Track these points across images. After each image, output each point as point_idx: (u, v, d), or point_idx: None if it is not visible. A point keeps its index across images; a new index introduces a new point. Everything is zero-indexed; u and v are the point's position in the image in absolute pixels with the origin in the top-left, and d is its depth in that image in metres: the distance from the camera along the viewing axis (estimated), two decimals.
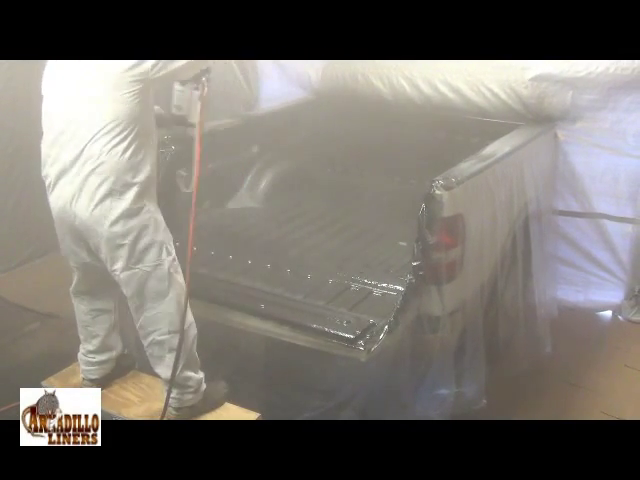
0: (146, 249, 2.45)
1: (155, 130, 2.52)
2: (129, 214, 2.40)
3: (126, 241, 2.41)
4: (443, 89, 3.83)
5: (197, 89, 2.55)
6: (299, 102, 4.45)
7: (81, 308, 2.77)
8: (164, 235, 2.51)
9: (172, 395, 2.61)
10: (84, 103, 2.36)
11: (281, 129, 4.21)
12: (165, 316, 2.52)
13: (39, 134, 4.14)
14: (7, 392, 2.41)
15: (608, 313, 3.95)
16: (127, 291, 2.53)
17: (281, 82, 4.62)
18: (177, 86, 2.61)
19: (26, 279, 4.12)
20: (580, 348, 3.59)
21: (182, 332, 2.52)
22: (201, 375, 2.68)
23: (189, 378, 2.63)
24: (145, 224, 2.44)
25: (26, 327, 3.69)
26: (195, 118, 2.58)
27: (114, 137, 2.34)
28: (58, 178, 2.45)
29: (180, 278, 2.54)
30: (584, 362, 3.48)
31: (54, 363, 3.04)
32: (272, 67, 4.60)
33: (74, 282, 2.74)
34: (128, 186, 2.39)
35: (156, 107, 2.65)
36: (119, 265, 2.45)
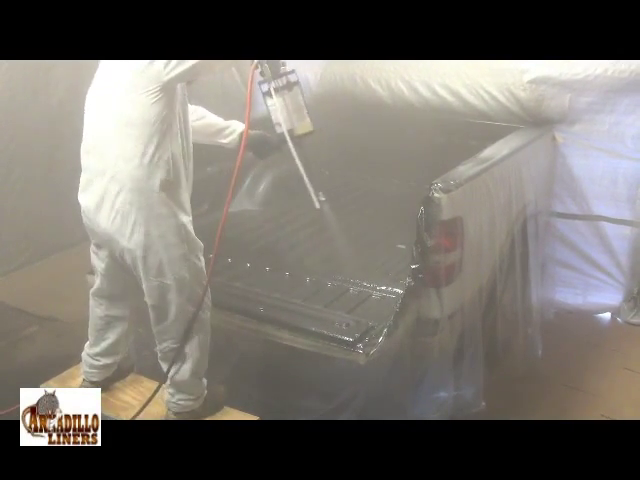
0: (166, 261, 2.39)
1: (184, 132, 2.43)
2: (148, 223, 2.34)
3: (145, 253, 2.37)
4: (442, 92, 3.84)
5: (289, 90, 2.54)
6: None
7: (97, 312, 2.74)
8: (190, 245, 2.45)
9: (174, 400, 2.61)
10: (103, 107, 2.34)
11: (313, 124, 4.20)
12: (182, 325, 2.51)
13: (38, 136, 4.16)
14: (6, 395, 2.41)
15: (607, 315, 3.96)
16: (148, 300, 2.51)
17: None
18: (268, 101, 2.56)
19: (25, 282, 4.12)
20: (579, 351, 3.59)
21: (184, 342, 2.52)
22: (205, 382, 2.68)
23: (196, 385, 2.63)
24: (165, 234, 2.37)
25: (25, 330, 3.68)
26: (302, 129, 2.59)
27: (128, 141, 2.28)
28: (85, 188, 2.45)
29: (200, 290, 2.50)
30: (583, 365, 3.48)
31: (53, 366, 3.03)
32: None
33: (96, 286, 2.69)
34: (146, 193, 2.32)
35: (260, 132, 2.70)
36: (141, 275, 2.44)
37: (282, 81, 2.59)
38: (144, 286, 2.47)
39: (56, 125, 4.17)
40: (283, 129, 2.60)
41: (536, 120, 3.62)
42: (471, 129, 3.81)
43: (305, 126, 2.65)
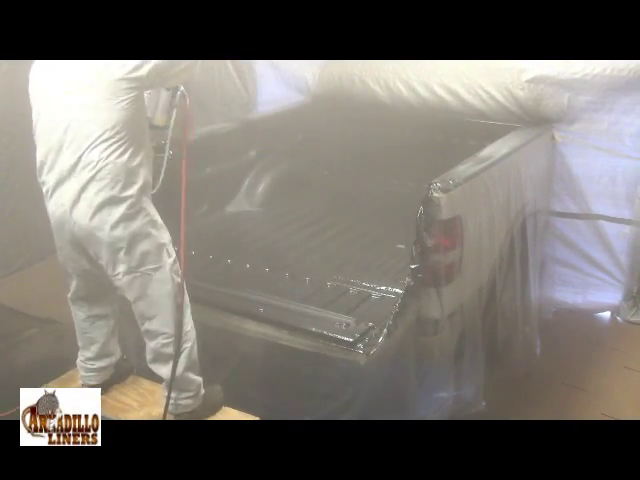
0: (147, 252, 2.45)
1: (148, 133, 2.52)
2: (128, 218, 2.40)
3: (126, 245, 2.42)
4: (440, 92, 3.84)
5: (173, 96, 2.54)
6: (296, 105, 4.46)
7: (79, 315, 2.76)
8: (163, 237, 2.51)
9: (172, 400, 2.60)
10: (80, 110, 2.36)
11: (278, 133, 4.21)
12: (170, 320, 2.52)
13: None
14: (6, 398, 2.40)
15: (607, 314, 3.96)
16: (130, 295, 2.52)
17: (278, 86, 4.63)
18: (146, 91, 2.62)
19: (24, 284, 4.12)
20: (579, 349, 3.59)
21: (180, 334, 2.52)
22: (200, 379, 2.68)
23: (190, 381, 2.63)
24: (144, 227, 2.44)
25: (24, 332, 3.68)
26: (160, 122, 2.57)
27: (112, 144, 2.34)
28: (56, 186, 2.45)
29: (179, 279, 2.54)
30: (583, 364, 3.48)
31: (53, 369, 3.03)
32: (269, 71, 4.61)
33: (72, 289, 2.72)
34: (126, 190, 2.39)
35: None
36: (120, 269, 2.46)
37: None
38: (124, 281, 2.48)
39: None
40: (149, 116, 2.60)
41: (535, 119, 3.62)
42: (470, 129, 3.81)
43: (160, 119, 2.60)
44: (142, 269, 2.46)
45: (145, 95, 2.50)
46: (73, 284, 2.71)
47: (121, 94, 2.32)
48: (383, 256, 3.43)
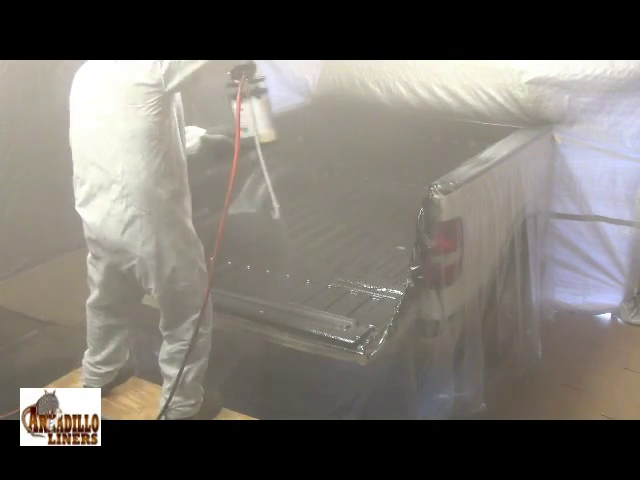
0: (177, 268, 2.42)
1: (180, 141, 2.44)
2: (159, 232, 2.36)
3: (156, 262, 2.39)
4: (440, 93, 3.84)
5: (257, 97, 2.47)
6: (296, 107, 4.46)
7: (95, 322, 2.73)
8: (193, 253, 2.48)
9: (170, 404, 2.60)
10: (99, 121, 2.31)
11: (279, 134, 4.21)
12: (191, 328, 2.52)
13: (37, 140, 4.15)
14: (6, 400, 2.41)
15: (607, 316, 3.97)
16: (161, 306, 2.53)
17: (278, 87, 4.63)
18: (234, 106, 2.47)
19: (25, 286, 4.11)
20: (579, 351, 3.59)
21: (194, 344, 2.51)
22: (202, 389, 2.68)
23: (196, 390, 2.63)
24: (176, 242, 2.41)
25: (25, 335, 3.68)
26: (267, 138, 2.53)
27: (135, 156, 2.28)
28: (86, 201, 2.43)
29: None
30: (584, 365, 3.48)
31: (53, 370, 3.03)
32: (269, 72, 4.60)
33: (93, 297, 2.68)
34: (155, 204, 2.34)
35: (219, 136, 2.63)
36: (152, 285, 2.44)
37: (252, 87, 2.52)
38: (156, 296, 2.48)
39: (56, 128, 4.14)
40: (249, 134, 2.54)
41: (535, 121, 3.62)
42: (470, 130, 3.81)
43: (269, 135, 2.59)
44: (172, 285, 2.44)
45: (241, 111, 2.43)
46: (95, 292, 2.67)
47: (139, 101, 2.25)
48: (383, 258, 3.43)
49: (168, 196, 2.36)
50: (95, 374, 2.80)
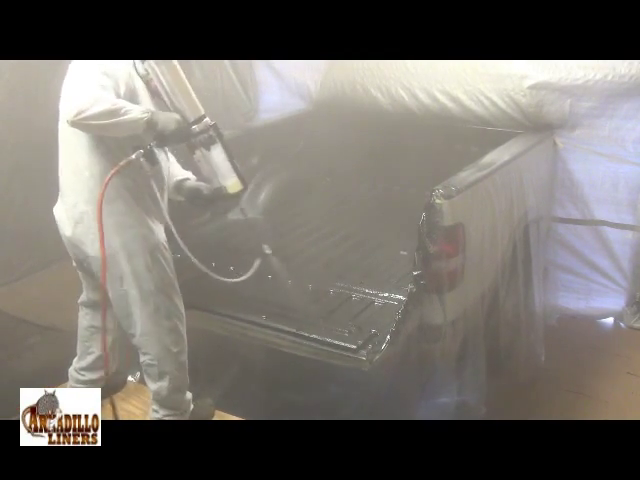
0: (130, 272, 2.38)
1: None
2: (108, 232, 2.30)
3: (108, 262, 2.33)
4: (442, 98, 3.84)
5: (206, 143, 2.33)
6: (298, 113, 4.47)
7: (83, 322, 2.75)
8: (155, 256, 2.43)
9: (158, 416, 2.60)
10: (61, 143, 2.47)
11: (280, 140, 4.22)
12: (155, 339, 2.48)
13: (39, 147, 4.14)
14: (7, 405, 2.40)
15: (610, 320, 3.96)
16: (116, 311, 2.50)
17: (280, 93, 4.64)
18: (194, 157, 2.37)
19: (27, 292, 4.11)
20: (582, 356, 3.58)
21: (166, 351, 2.50)
22: (189, 396, 2.66)
23: (179, 401, 2.61)
24: (128, 244, 2.37)
25: (27, 340, 3.68)
26: (234, 188, 2.42)
27: (80, 156, 2.37)
28: (58, 201, 2.52)
29: (177, 299, 2.51)
30: (586, 370, 3.48)
31: (54, 377, 3.02)
32: (271, 78, 4.62)
33: (83, 294, 2.72)
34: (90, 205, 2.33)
35: (198, 184, 2.51)
36: (107, 285, 2.41)
37: (203, 137, 2.35)
38: (110, 295, 2.44)
39: (57, 136, 4.17)
40: (214, 185, 2.47)
41: (536, 125, 3.62)
42: (472, 135, 3.81)
43: (234, 185, 2.47)
44: (125, 288, 2.41)
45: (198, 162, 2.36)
46: (84, 291, 2.70)
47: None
48: (385, 263, 3.42)
49: (115, 194, 2.31)
50: (78, 381, 2.78)
